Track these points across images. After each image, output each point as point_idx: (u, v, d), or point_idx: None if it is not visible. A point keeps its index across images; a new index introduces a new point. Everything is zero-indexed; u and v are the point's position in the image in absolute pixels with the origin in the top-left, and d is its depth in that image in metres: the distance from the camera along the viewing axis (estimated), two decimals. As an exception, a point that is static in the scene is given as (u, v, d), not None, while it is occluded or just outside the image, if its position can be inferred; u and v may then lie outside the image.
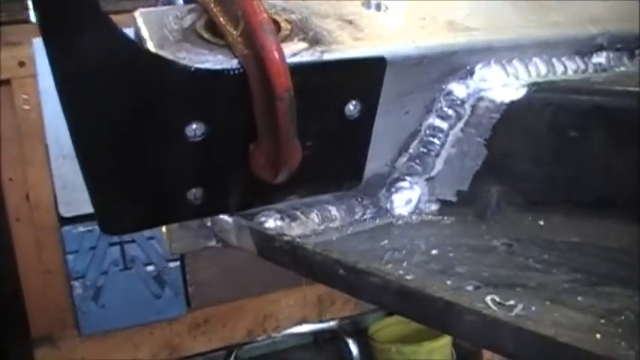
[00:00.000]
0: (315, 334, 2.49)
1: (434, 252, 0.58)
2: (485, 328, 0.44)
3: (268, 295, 2.18)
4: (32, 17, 1.93)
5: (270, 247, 0.56)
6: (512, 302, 0.48)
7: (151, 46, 0.53)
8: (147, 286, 2.00)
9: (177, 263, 2.04)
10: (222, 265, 2.06)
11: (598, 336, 0.44)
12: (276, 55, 0.48)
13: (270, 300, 2.18)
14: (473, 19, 0.65)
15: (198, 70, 0.51)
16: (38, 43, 1.63)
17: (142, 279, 1.99)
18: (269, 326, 2.19)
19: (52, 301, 1.94)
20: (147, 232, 1.80)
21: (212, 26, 0.55)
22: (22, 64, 1.85)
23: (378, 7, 0.63)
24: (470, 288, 0.52)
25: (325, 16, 0.60)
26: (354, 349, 2.36)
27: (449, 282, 0.53)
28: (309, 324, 2.27)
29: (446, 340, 2.32)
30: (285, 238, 0.55)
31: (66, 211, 1.72)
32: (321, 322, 2.28)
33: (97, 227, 1.83)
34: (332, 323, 2.34)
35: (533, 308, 0.48)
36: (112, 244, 1.95)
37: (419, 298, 0.47)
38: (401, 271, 0.54)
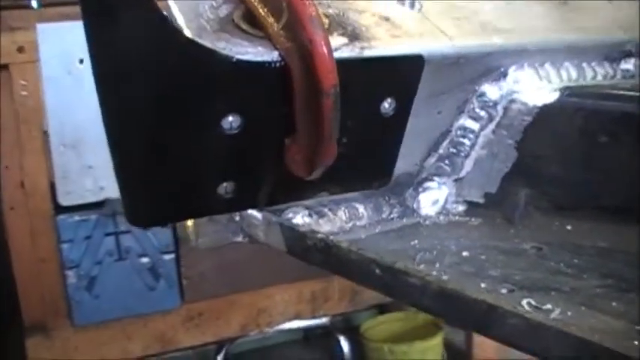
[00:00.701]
0: (306, 330, 2.48)
1: (465, 254, 0.58)
2: (527, 332, 0.44)
3: (262, 289, 2.17)
4: (33, 3, 1.91)
5: (302, 245, 0.56)
6: (549, 306, 0.48)
7: (188, 34, 0.52)
8: (141, 278, 1.98)
9: (172, 255, 2.02)
10: (217, 259, 2.05)
11: (636, 342, 0.44)
12: (325, 49, 0.47)
13: (265, 295, 2.17)
14: (506, 21, 0.65)
15: (239, 61, 0.51)
16: (42, 28, 1.61)
17: (137, 270, 1.97)
18: (263, 321, 2.18)
19: (46, 290, 1.92)
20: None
21: (250, 17, 0.55)
22: (21, 49, 1.83)
23: (412, 5, 0.63)
24: (504, 291, 0.52)
25: (362, 12, 0.59)
26: (345, 346, 2.36)
27: (483, 285, 0.52)
28: (301, 320, 2.26)
29: (438, 340, 2.33)
30: (319, 235, 0.55)
31: (65, 200, 1.70)
32: (313, 318, 2.27)
33: (92, 216, 1.80)
34: (324, 320, 2.33)
35: (569, 313, 0.48)
36: (107, 235, 1.93)
37: (460, 300, 0.47)
38: (434, 272, 0.53)
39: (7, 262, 1.90)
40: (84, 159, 1.62)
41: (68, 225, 1.89)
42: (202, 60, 0.50)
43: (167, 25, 0.49)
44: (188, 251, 2.01)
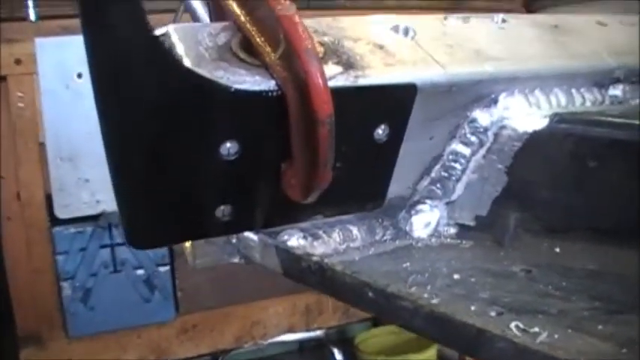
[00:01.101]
0: (301, 342, 2.49)
1: (456, 276, 0.59)
2: (515, 356, 0.46)
3: (257, 302, 2.18)
4: (31, 15, 1.92)
5: (298, 267, 0.57)
6: (536, 329, 0.49)
7: (188, 63, 0.54)
8: (136, 290, 1.99)
9: (168, 268, 2.03)
10: (212, 272, 2.06)
11: (621, 365, 0.45)
12: (320, 81, 0.48)
13: (259, 307, 2.18)
14: (497, 48, 0.67)
15: (237, 90, 0.52)
16: (40, 42, 1.62)
17: (132, 282, 1.98)
18: (257, 333, 2.19)
19: (41, 300, 1.92)
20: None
21: (247, 45, 0.56)
22: (18, 61, 1.84)
23: (406, 33, 0.64)
24: (493, 314, 0.53)
25: (356, 40, 0.61)
26: (339, 358, 2.36)
27: (473, 307, 0.54)
28: (296, 332, 2.27)
29: (431, 353, 2.34)
30: (314, 258, 0.56)
31: (62, 213, 1.70)
32: (307, 330, 2.28)
33: (88, 229, 1.80)
34: (318, 332, 2.34)
35: (557, 336, 0.49)
36: (102, 247, 1.94)
37: (450, 324, 0.48)
38: (426, 295, 0.55)
39: (3, 273, 1.90)
40: (80, 172, 1.63)
41: (64, 237, 1.90)
42: (201, 89, 0.51)
43: (167, 55, 0.50)
44: (183, 264, 2.02)
